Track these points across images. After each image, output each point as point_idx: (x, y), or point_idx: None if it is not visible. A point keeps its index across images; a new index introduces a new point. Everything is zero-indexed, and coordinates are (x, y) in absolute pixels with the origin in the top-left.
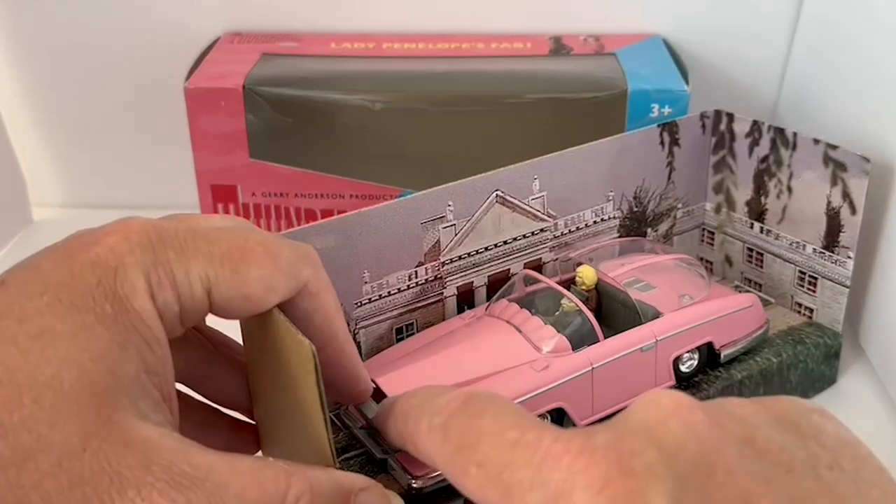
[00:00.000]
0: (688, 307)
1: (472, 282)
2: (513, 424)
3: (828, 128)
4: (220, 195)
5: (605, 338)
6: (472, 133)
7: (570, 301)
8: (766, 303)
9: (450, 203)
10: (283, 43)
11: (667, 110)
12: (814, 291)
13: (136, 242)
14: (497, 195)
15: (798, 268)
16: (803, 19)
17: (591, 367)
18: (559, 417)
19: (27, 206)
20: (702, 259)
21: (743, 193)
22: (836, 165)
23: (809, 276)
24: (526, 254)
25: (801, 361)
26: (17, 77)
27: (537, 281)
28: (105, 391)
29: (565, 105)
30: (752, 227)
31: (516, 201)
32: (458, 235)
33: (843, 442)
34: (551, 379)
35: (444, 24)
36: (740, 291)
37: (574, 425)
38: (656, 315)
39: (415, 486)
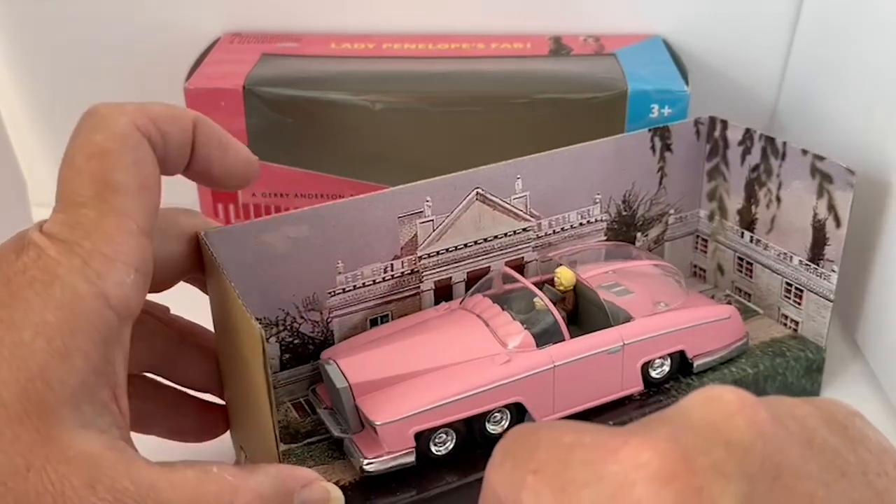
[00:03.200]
0: (660, 314)
1: (451, 277)
2: (570, 430)
3: (828, 128)
4: (219, 195)
5: (574, 338)
6: (472, 133)
7: (542, 300)
8: (753, 313)
9: (428, 199)
10: (283, 43)
11: (667, 111)
12: (799, 304)
13: (62, 253)
14: (477, 193)
15: (785, 279)
16: (803, 19)
17: (552, 365)
18: (519, 413)
19: (27, 206)
20: (695, 266)
21: (735, 202)
22: (822, 177)
23: (796, 288)
24: (508, 252)
25: (780, 374)
26: (17, 77)
27: (514, 279)
28: (45, 408)
29: (565, 105)
30: (742, 237)
31: (497, 200)
32: (435, 231)
33: (883, 448)
34: (511, 373)
35: (444, 24)
36: (730, 301)
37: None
38: (627, 319)
39: (366, 467)
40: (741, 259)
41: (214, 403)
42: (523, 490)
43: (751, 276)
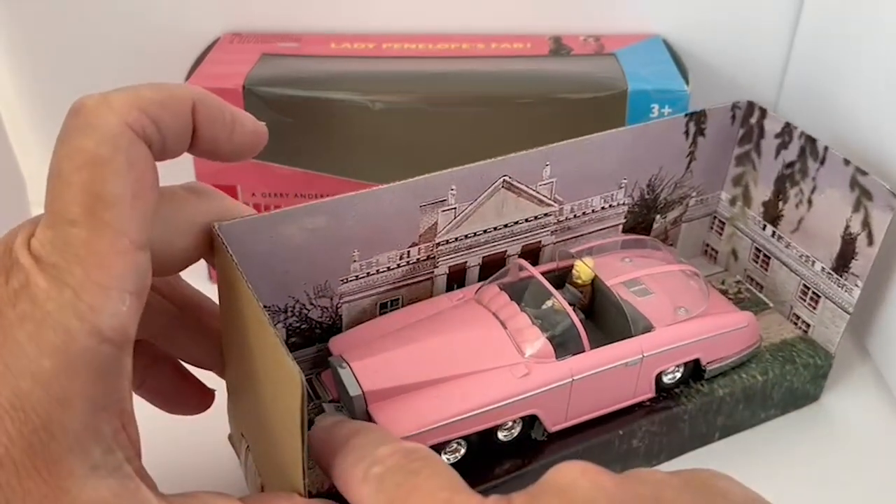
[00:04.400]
0: (681, 323)
1: (466, 262)
2: (445, 486)
3: (828, 128)
4: None
5: (592, 343)
6: (472, 133)
7: (560, 304)
8: (763, 306)
9: (453, 187)
10: (283, 43)
11: (667, 110)
12: (814, 308)
13: (52, 283)
14: (504, 180)
15: (803, 281)
16: (804, 19)
17: (571, 379)
18: (531, 421)
19: (27, 206)
20: (707, 246)
21: (762, 193)
22: (862, 192)
23: (813, 292)
24: (526, 236)
25: (787, 381)
26: (17, 77)
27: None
28: (52, 459)
29: (565, 105)
30: (764, 229)
31: (523, 187)
32: (457, 218)
33: (750, 499)
34: (530, 388)
35: (444, 24)
36: (740, 288)
37: (545, 431)
38: (647, 328)
39: None
40: (758, 250)
41: (202, 384)
42: None
43: (766, 269)
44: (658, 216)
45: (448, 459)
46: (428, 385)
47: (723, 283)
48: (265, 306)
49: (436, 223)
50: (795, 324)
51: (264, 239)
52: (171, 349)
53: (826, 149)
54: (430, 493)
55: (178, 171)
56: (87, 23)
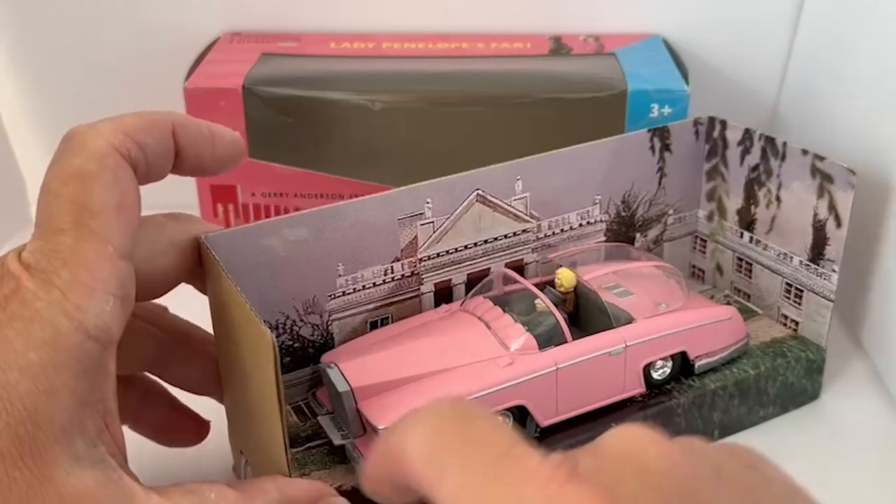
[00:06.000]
0: (661, 315)
1: (451, 279)
2: (503, 434)
3: (829, 128)
4: (219, 195)
5: (577, 340)
6: (473, 133)
7: (544, 301)
8: (752, 314)
9: (428, 200)
10: (283, 43)
11: (667, 110)
12: (799, 304)
13: (40, 285)
14: (478, 194)
15: (785, 279)
16: (804, 19)
17: (555, 367)
18: (522, 416)
19: (27, 206)
20: (694, 267)
21: (734, 202)
22: (823, 177)
23: (796, 288)
24: (508, 254)
25: (781, 375)
26: (17, 77)
27: (515, 280)
28: (38, 450)
29: (565, 105)
30: (741, 237)
31: (498, 201)
32: (436, 233)
33: (794, 489)
34: (514, 376)
35: (444, 24)
36: (729, 301)
37: (537, 425)
38: (629, 321)
39: None
40: (740, 259)
41: (198, 416)
42: (442, 484)
43: (750, 277)
44: (638, 234)
45: None
46: (415, 380)
47: (711, 297)
48: None
49: (416, 238)
50: (784, 324)
51: (250, 251)
52: (165, 377)
53: (785, 144)
54: (488, 441)
55: (178, 178)
56: (87, 23)
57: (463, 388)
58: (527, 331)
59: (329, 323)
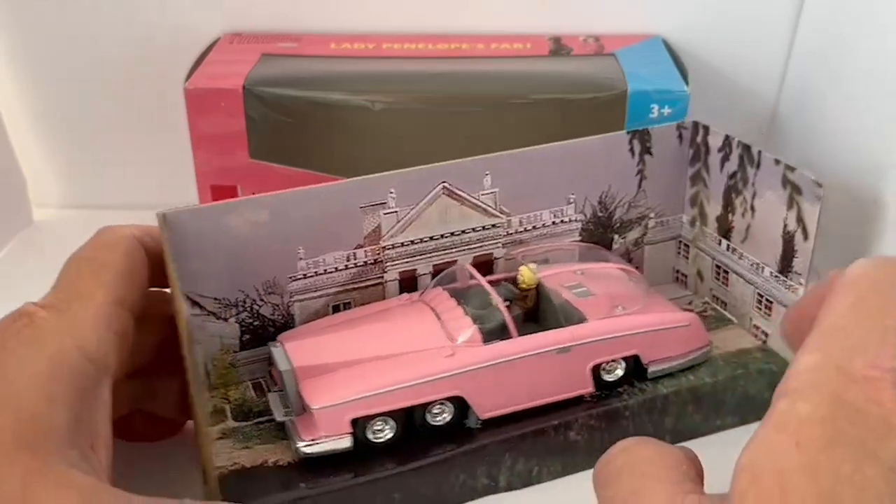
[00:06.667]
0: (615, 317)
1: (416, 269)
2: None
3: (829, 128)
4: (219, 195)
5: (523, 336)
6: (472, 133)
7: (493, 297)
8: (728, 323)
9: (392, 190)
10: (283, 43)
11: (666, 111)
12: (769, 315)
13: (50, 315)
14: (444, 187)
15: (757, 289)
16: (804, 19)
17: (496, 361)
18: (462, 407)
19: (27, 206)
20: (677, 272)
21: (714, 209)
22: (792, 188)
23: (766, 299)
24: (476, 247)
25: (741, 385)
26: (17, 77)
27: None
28: (38, 447)
29: (565, 105)
30: (720, 244)
31: (465, 195)
32: (400, 223)
33: None
34: (453, 366)
35: (443, 25)
36: (706, 309)
37: (478, 418)
38: (581, 320)
39: (302, 449)
40: (718, 267)
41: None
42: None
43: (727, 285)
44: (616, 236)
45: (376, 439)
46: (355, 364)
47: (689, 304)
48: (216, 299)
49: (379, 226)
50: (755, 335)
51: (211, 229)
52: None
53: (760, 153)
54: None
55: (179, 170)
56: (87, 23)
57: (401, 375)
58: (475, 324)
59: (290, 304)
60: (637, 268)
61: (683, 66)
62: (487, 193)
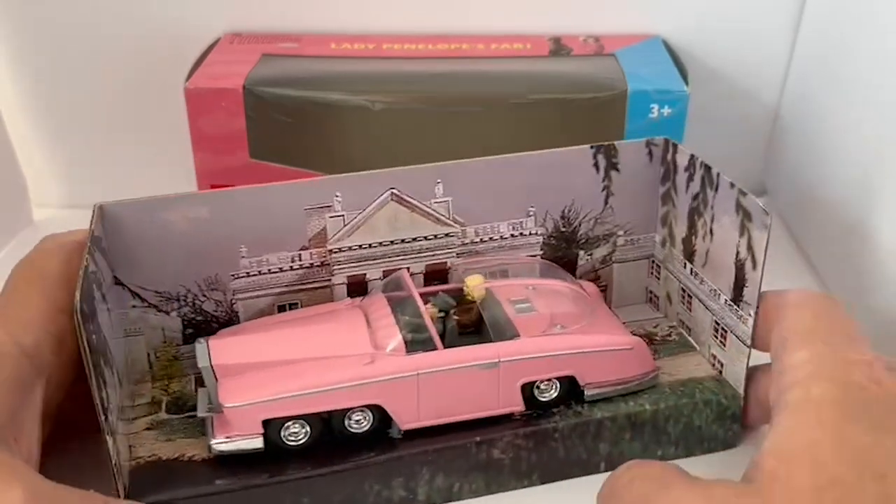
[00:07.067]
0: (550, 335)
1: (366, 274)
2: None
3: (831, 127)
4: None
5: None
6: (472, 133)
7: (433, 307)
8: (691, 349)
9: (337, 194)
10: (284, 44)
11: (666, 111)
12: (724, 345)
13: None
14: (392, 193)
15: (714, 317)
16: (806, 19)
17: (416, 373)
18: (383, 416)
19: (27, 206)
20: (650, 293)
21: (681, 230)
22: (744, 214)
23: (722, 327)
24: (429, 256)
25: (684, 416)
26: (17, 77)
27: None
28: None
29: (565, 105)
30: (685, 267)
31: (415, 202)
32: (346, 227)
33: None
34: (371, 374)
35: (443, 25)
36: (671, 333)
37: (399, 429)
38: (514, 336)
39: (214, 446)
40: (683, 290)
41: None
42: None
43: (690, 310)
44: (582, 252)
45: (291, 442)
46: (274, 365)
47: (655, 327)
48: (157, 292)
49: (325, 229)
50: (713, 364)
51: (149, 223)
52: None
53: (718, 175)
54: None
55: (179, 170)
56: (87, 23)
57: (316, 379)
58: (400, 332)
59: (233, 301)
60: (605, 286)
61: (683, 66)
62: (440, 202)
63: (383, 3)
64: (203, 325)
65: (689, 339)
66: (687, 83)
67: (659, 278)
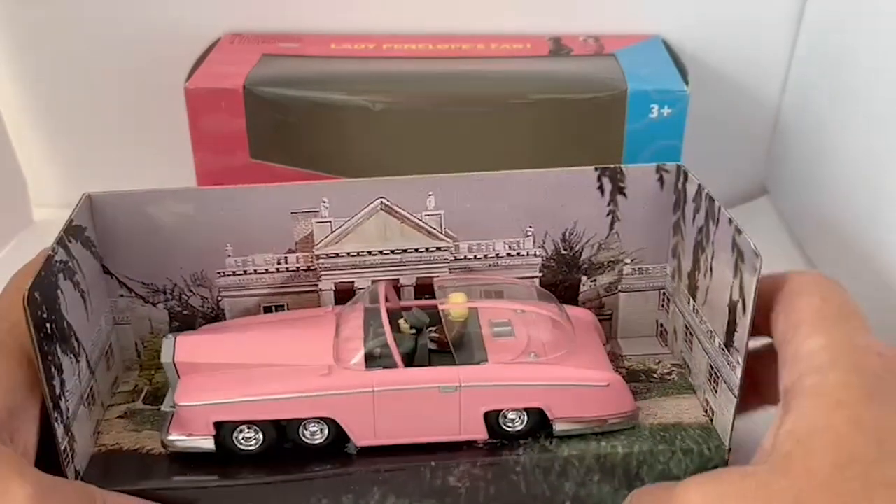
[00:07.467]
0: (519, 364)
1: (354, 282)
2: None
3: (833, 127)
4: None
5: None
6: (473, 133)
7: (405, 323)
8: (689, 391)
9: (325, 199)
10: (284, 44)
11: (666, 111)
12: (716, 391)
13: None
14: (381, 203)
15: (709, 360)
16: (807, 19)
17: (372, 389)
18: (338, 431)
19: (27, 206)
20: (661, 326)
21: (687, 263)
22: (738, 254)
23: (715, 371)
24: (419, 268)
25: (660, 463)
26: (17, 77)
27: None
28: None
29: (565, 105)
30: (688, 304)
31: (405, 213)
32: (334, 233)
33: None
34: (324, 386)
35: (444, 25)
36: (674, 372)
37: (356, 445)
38: (481, 361)
39: (166, 442)
40: (687, 328)
41: None
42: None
43: (691, 349)
44: (585, 278)
45: (244, 447)
46: (234, 368)
47: (658, 363)
48: (144, 283)
49: (311, 233)
50: (705, 410)
51: (135, 216)
52: None
53: (720, 208)
54: None
55: (179, 170)
56: (87, 23)
57: (273, 387)
58: (365, 348)
59: (219, 299)
60: (610, 314)
61: (683, 66)
62: (431, 215)
63: (383, 4)
64: (190, 320)
65: (690, 379)
66: (687, 83)
67: (668, 312)
